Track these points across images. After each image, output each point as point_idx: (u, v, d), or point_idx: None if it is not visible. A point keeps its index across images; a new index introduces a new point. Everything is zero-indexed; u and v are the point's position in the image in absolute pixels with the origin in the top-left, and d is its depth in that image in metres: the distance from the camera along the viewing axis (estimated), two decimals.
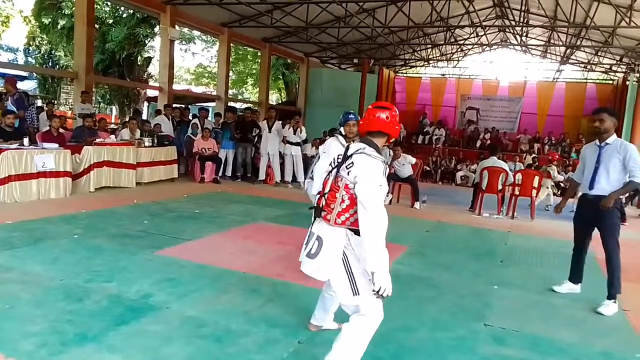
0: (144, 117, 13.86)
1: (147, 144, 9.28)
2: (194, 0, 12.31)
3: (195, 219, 6.62)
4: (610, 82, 20.57)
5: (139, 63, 18.86)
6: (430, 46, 19.71)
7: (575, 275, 4.44)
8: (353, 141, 4.12)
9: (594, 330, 3.67)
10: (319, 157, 4.22)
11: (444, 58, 21.92)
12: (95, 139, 8.33)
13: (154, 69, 20.61)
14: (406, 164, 9.57)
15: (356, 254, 2.57)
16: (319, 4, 13.01)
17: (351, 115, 4.48)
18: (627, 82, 16.99)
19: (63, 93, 21.79)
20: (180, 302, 3.60)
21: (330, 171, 2.69)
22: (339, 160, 2.66)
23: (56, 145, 7.35)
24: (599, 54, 18.09)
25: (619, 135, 16.81)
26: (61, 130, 8.30)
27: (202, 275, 4.22)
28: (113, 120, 19.69)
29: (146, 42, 18.37)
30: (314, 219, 2.75)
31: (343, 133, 4.45)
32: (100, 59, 17.20)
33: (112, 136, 9.08)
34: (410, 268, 4.97)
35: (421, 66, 23.81)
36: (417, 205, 9.25)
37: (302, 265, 2.76)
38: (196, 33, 21.05)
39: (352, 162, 2.56)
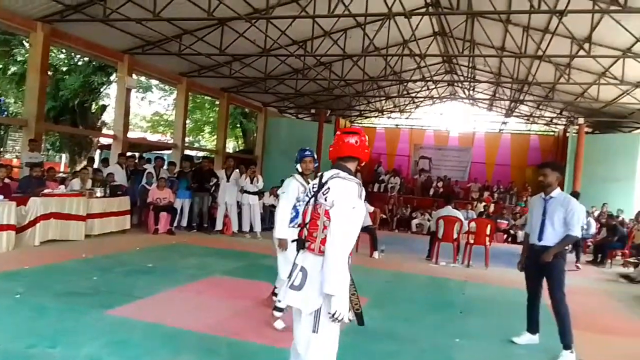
0: (95, 165, 13.44)
1: (99, 194, 8.96)
2: (152, 51, 12.32)
3: (148, 273, 6.35)
4: (552, 133, 21.85)
5: (93, 111, 18.50)
6: (384, 98, 20.40)
7: (532, 326, 4.51)
8: (310, 179, 4.18)
9: None
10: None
11: (397, 109, 22.68)
12: (43, 190, 7.97)
13: (108, 116, 20.26)
14: (365, 213, 9.64)
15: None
16: (278, 56, 13.33)
17: (307, 152, 4.50)
18: (567, 134, 18.11)
19: (10, 140, 20.97)
20: None
21: (308, 201, 2.69)
22: (314, 190, 2.68)
23: (0, 197, 6.98)
24: (541, 107, 19.27)
25: (562, 184, 17.74)
26: (7, 180, 7.91)
27: (155, 336, 4.00)
28: (62, 169, 19.01)
29: (101, 90, 18.12)
30: (298, 251, 2.68)
31: (300, 170, 4.47)
32: (52, 106, 16.75)
33: (62, 186, 8.73)
34: (371, 321, 4.87)
35: (376, 117, 24.54)
36: (375, 254, 9.27)
37: (285, 298, 2.65)
38: (154, 81, 20.98)
39: (328, 188, 2.59)
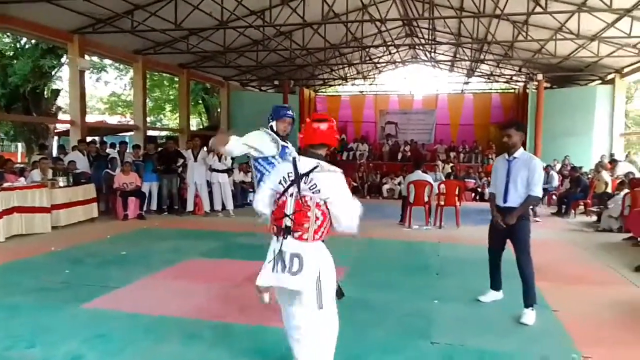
0: (54, 153, 12.95)
1: (61, 184, 8.65)
2: (104, 29, 11.76)
3: (121, 262, 6.22)
4: (513, 90, 22.24)
5: (46, 96, 17.68)
6: (347, 65, 20.26)
7: (496, 284, 4.63)
8: (285, 139, 4.19)
9: (531, 336, 3.85)
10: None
11: (361, 76, 22.62)
12: (1, 183, 7.64)
13: (63, 101, 19.42)
14: None
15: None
16: (236, 28, 12.96)
17: (289, 112, 4.25)
18: (527, 90, 18.48)
19: None
20: (116, 359, 3.33)
21: (284, 192, 2.67)
22: (291, 179, 2.66)
23: None
24: (501, 65, 19.54)
25: (525, 139, 18.22)
26: None
27: (135, 326, 3.95)
28: (19, 159, 18.24)
29: (53, 73, 17.29)
30: (279, 238, 2.69)
31: (274, 129, 4.24)
32: (1, 94, 15.94)
33: (22, 178, 8.39)
34: (351, 290, 4.95)
35: (340, 84, 24.41)
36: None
37: (281, 283, 2.68)
38: (108, 61, 20.16)
39: (315, 183, 2.61)
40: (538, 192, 4.17)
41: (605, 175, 11.41)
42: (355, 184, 15.81)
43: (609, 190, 10.65)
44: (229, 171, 10.88)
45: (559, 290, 5.07)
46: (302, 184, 2.64)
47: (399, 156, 19.20)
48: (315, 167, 2.64)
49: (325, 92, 25.13)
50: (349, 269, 5.82)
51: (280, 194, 2.71)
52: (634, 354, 3.58)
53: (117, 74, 23.68)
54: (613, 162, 13.44)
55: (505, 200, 4.27)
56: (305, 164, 2.69)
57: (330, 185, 2.63)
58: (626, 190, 9.16)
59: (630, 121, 21.72)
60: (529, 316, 4.11)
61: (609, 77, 16.74)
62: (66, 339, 3.64)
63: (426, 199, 9.33)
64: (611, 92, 16.44)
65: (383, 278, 5.59)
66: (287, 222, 2.65)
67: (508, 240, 4.37)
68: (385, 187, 15.96)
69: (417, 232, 8.88)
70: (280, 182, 2.73)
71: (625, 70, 15.65)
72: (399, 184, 15.00)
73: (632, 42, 12.63)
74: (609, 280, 5.62)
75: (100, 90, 26.52)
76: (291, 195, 2.66)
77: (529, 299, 4.16)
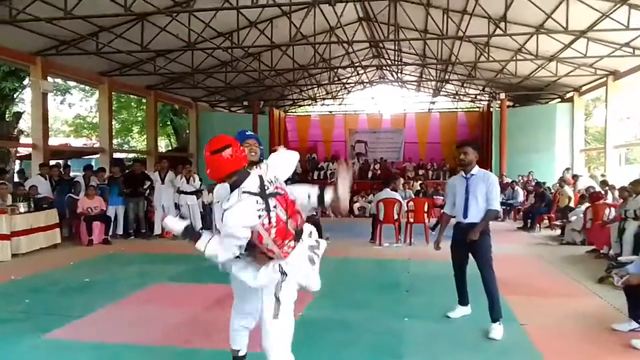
0: (15, 178, 12.53)
1: (22, 209, 8.35)
2: (68, 51, 11.56)
3: (85, 289, 6.02)
4: (477, 109, 22.86)
5: (8, 119, 17.18)
6: (316, 86, 20.46)
7: (463, 299, 4.69)
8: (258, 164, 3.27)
9: (500, 350, 3.90)
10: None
11: (330, 96, 22.85)
12: None
13: (25, 124, 18.91)
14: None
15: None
16: (204, 50, 12.95)
17: (247, 133, 3.41)
18: (491, 109, 19.04)
19: None
20: None
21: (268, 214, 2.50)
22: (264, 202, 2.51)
23: None
24: (465, 85, 20.12)
25: (490, 156, 18.57)
26: None
27: (99, 356, 3.81)
28: None
29: (15, 96, 16.85)
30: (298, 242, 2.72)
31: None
32: None
33: None
34: (322, 312, 4.92)
35: (309, 104, 24.59)
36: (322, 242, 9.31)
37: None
38: (73, 83, 19.80)
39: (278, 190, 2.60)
40: (496, 205, 4.31)
41: (568, 189, 11.77)
42: None
43: (572, 204, 10.98)
44: (197, 193, 10.73)
45: (527, 303, 5.16)
46: (275, 195, 2.58)
47: (369, 174, 19.37)
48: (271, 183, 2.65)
49: (295, 112, 25.26)
50: (322, 290, 5.75)
51: (267, 217, 2.50)
52: None
53: (82, 95, 23.30)
54: (575, 177, 13.89)
55: (465, 216, 4.35)
56: (269, 184, 2.61)
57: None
58: (587, 204, 9.46)
59: (590, 137, 22.55)
60: (497, 331, 4.15)
61: (568, 95, 17.41)
62: None
63: (395, 216, 9.41)
64: (571, 109, 17.08)
65: (355, 297, 5.58)
66: (291, 227, 2.62)
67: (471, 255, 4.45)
68: (356, 205, 16.02)
69: (388, 250, 8.92)
70: (259, 216, 2.48)
71: (583, 88, 16.30)
72: (370, 202, 15.09)
73: (588, 61, 13.18)
74: (573, 293, 5.75)
75: (65, 112, 26.00)
76: (274, 209, 2.53)
77: (495, 313, 4.20)
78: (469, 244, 4.28)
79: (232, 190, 2.56)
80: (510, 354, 3.83)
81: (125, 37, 11.35)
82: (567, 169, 14.66)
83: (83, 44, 11.51)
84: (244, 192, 2.49)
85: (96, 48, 11.40)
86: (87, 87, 21.25)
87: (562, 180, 12.56)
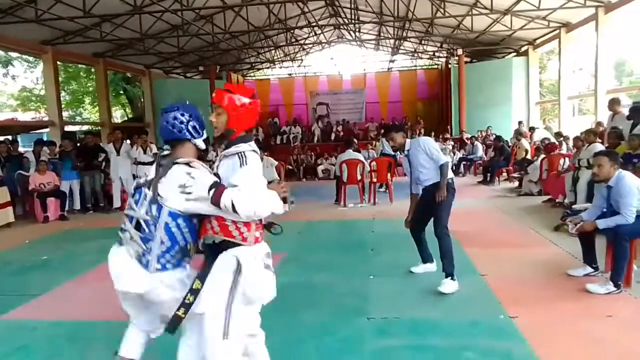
0: None
1: None
2: (4, 20, 10.77)
3: (43, 267, 5.81)
4: (436, 66, 22.94)
5: None
6: (273, 48, 19.98)
7: (426, 258, 4.75)
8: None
9: (461, 302, 3.99)
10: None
11: (288, 58, 22.43)
12: None
13: None
14: (270, 168, 9.57)
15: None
16: (152, 13, 12.34)
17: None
18: (450, 65, 19.13)
19: None
20: None
21: None
22: None
23: None
24: (423, 42, 20.07)
25: (450, 112, 18.72)
26: None
27: (59, 334, 3.70)
28: None
29: None
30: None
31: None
32: None
33: None
34: (288, 276, 4.89)
35: (267, 68, 24.09)
36: (285, 207, 9.27)
37: None
38: (14, 54, 18.63)
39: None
40: (442, 158, 4.40)
41: (525, 142, 12.06)
42: (290, 167, 15.75)
43: (529, 156, 11.27)
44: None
45: (486, 255, 5.31)
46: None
47: (332, 136, 19.30)
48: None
49: (254, 76, 24.72)
50: (287, 255, 5.77)
51: None
52: (554, 307, 3.81)
53: (25, 67, 22.01)
54: (531, 129, 14.25)
55: (421, 183, 4.50)
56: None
57: None
58: (543, 156, 9.73)
59: (544, 90, 23.08)
60: (448, 285, 4.18)
61: (523, 49, 17.64)
62: None
63: (359, 177, 9.44)
64: (526, 63, 17.36)
65: (320, 259, 5.60)
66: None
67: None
68: (320, 168, 16.01)
69: (352, 211, 8.98)
70: None
71: (538, 41, 16.53)
72: (333, 164, 15.10)
73: (542, 14, 13.32)
74: (531, 242, 5.95)
75: (10, 85, 24.55)
76: None
77: (449, 268, 4.25)
78: (432, 203, 4.35)
79: (228, 147, 2.33)
80: (470, 304, 3.94)
81: (66, 3, 10.68)
82: (520, 122, 15.02)
83: (21, 12, 10.76)
84: (253, 150, 2.31)
85: (35, 15, 10.67)
86: (30, 58, 20.05)
87: (518, 134, 12.85)
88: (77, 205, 9.98)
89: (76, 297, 4.62)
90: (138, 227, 2.28)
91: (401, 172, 15.01)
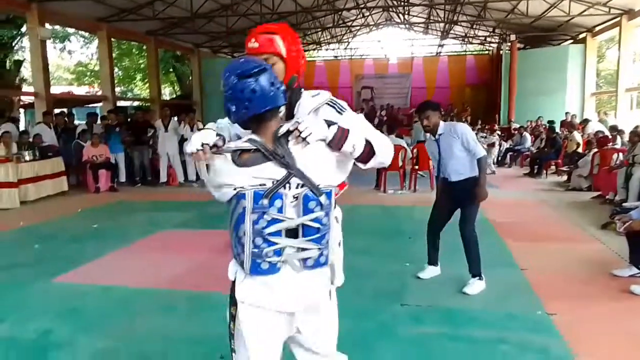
0: (22, 126, 12.53)
1: (27, 158, 8.40)
2: None
3: (94, 235, 6.14)
4: (487, 52, 22.25)
5: (8, 68, 16.94)
6: (320, 29, 19.89)
7: (435, 258, 4.44)
8: None
9: (499, 294, 3.95)
10: None
11: (335, 40, 22.28)
12: None
13: (27, 72, 18.68)
14: None
15: None
16: None
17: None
18: (501, 51, 18.50)
19: None
20: (88, 334, 3.31)
21: None
22: None
23: None
24: (474, 27, 19.46)
25: (499, 101, 18.12)
26: None
27: (108, 299, 3.92)
28: None
29: (13, 44, 16.53)
30: None
31: None
32: None
33: None
34: None
35: (314, 49, 24.02)
36: None
37: None
38: (72, 30, 19.37)
39: None
40: (480, 151, 3.97)
41: (577, 135, 11.59)
42: None
43: (580, 150, 10.85)
44: None
45: (528, 249, 5.20)
46: None
47: (376, 121, 19.12)
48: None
49: None
50: None
51: None
52: (595, 306, 3.72)
53: (82, 43, 22.84)
54: (584, 121, 13.68)
55: (450, 175, 4.08)
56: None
57: None
58: (595, 150, 9.34)
59: (601, 80, 22.01)
60: (474, 286, 4.01)
61: (581, 36, 16.83)
62: (36, 315, 3.60)
63: (400, 163, 9.37)
64: (583, 51, 16.57)
65: (358, 243, 5.61)
66: None
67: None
68: None
69: (392, 197, 8.95)
70: None
71: (597, 29, 15.73)
72: None
73: (602, 0, 12.64)
74: (576, 238, 5.78)
75: (67, 60, 25.59)
76: None
77: (476, 268, 4.07)
78: (459, 198, 4.06)
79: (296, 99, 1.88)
80: (508, 297, 3.89)
81: None
82: (568, 114, 14.45)
83: None
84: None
85: None
86: (86, 34, 20.77)
87: (570, 126, 12.36)
88: (123, 178, 10.39)
89: (126, 265, 4.87)
90: (294, 234, 1.68)
91: None
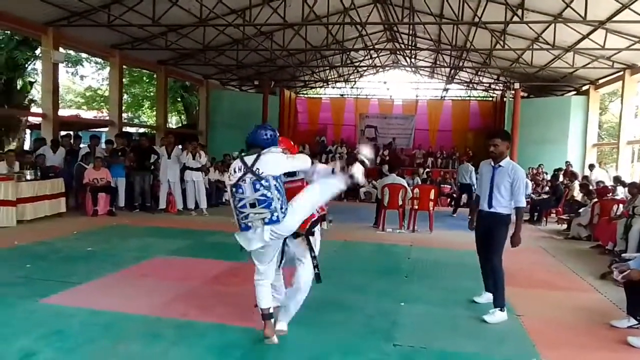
0: (26, 147, 12.62)
1: (28, 177, 8.43)
2: (79, 22, 11.51)
3: (87, 258, 6.08)
4: (491, 98, 22.56)
5: (19, 88, 17.22)
6: (328, 68, 20.28)
7: (487, 284, 4.65)
8: None
9: (494, 339, 3.87)
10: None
11: (342, 79, 22.66)
12: None
13: (37, 93, 18.97)
14: None
15: None
16: (216, 26, 12.85)
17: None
18: (505, 99, 18.77)
19: None
20: (70, 357, 3.23)
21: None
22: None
23: None
24: (479, 73, 19.82)
25: (512, 152, 18.25)
26: None
27: (94, 323, 3.84)
28: None
29: (27, 65, 16.86)
30: None
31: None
32: None
33: None
34: (320, 292, 4.90)
35: (320, 87, 24.42)
36: (324, 225, 9.28)
37: None
38: (85, 55, 19.78)
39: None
40: (523, 201, 4.31)
41: (577, 184, 11.61)
42: None
43: (579, 197, 10.83)
44: (203, 169, 10.74)
45: (525, 295, 5.11)
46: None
47: (378, 160, 19.23)
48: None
49: (306, 94, 25.11)
50: (320, 271, 5.76)
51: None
52: (591, 357, 3.63)
53: (95, 68, 23.28)
54: (591, 167, 13.87)
55: (490, 206, 4.34)
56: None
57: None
58: (595, 200, 9.34)
59: (603, 132, 22.21)
60: (495, 316, 4.17)
61: (584, 88, 17.10)
62: (20, 335, 3.53)
63: (400, 202, 9.36)
64: (585, 103, 16.80)
65: (353, 280, 5.57)
66: None
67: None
68: (362, 190, 15.98)
69: (390, 235, 8.90)
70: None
71: (600, 81, 16.00)
72: (376, 187, 15.04)
73: (606, 54, 12.91)
74: (574, 287, 5.70)
75: (78, 84, 26.00)
76: None
77: (499, 300, 4.25)
78: (488, 230, 4.35)
79: None
80: (503, 342, 3.81)
81: (137, 11, 11.30)
82: (567, 162, 14.58)
83: (94, 16, 11.47)
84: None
85: (107, 20, 11.36)
86: (100, 60, 21.20)
87: (572, 175, 12.41)
88: (122, 202, 10.38)
89: (115, 290, 4.79)
90: (253, 205, 3.17)
91: (444, 203, 14.83)
